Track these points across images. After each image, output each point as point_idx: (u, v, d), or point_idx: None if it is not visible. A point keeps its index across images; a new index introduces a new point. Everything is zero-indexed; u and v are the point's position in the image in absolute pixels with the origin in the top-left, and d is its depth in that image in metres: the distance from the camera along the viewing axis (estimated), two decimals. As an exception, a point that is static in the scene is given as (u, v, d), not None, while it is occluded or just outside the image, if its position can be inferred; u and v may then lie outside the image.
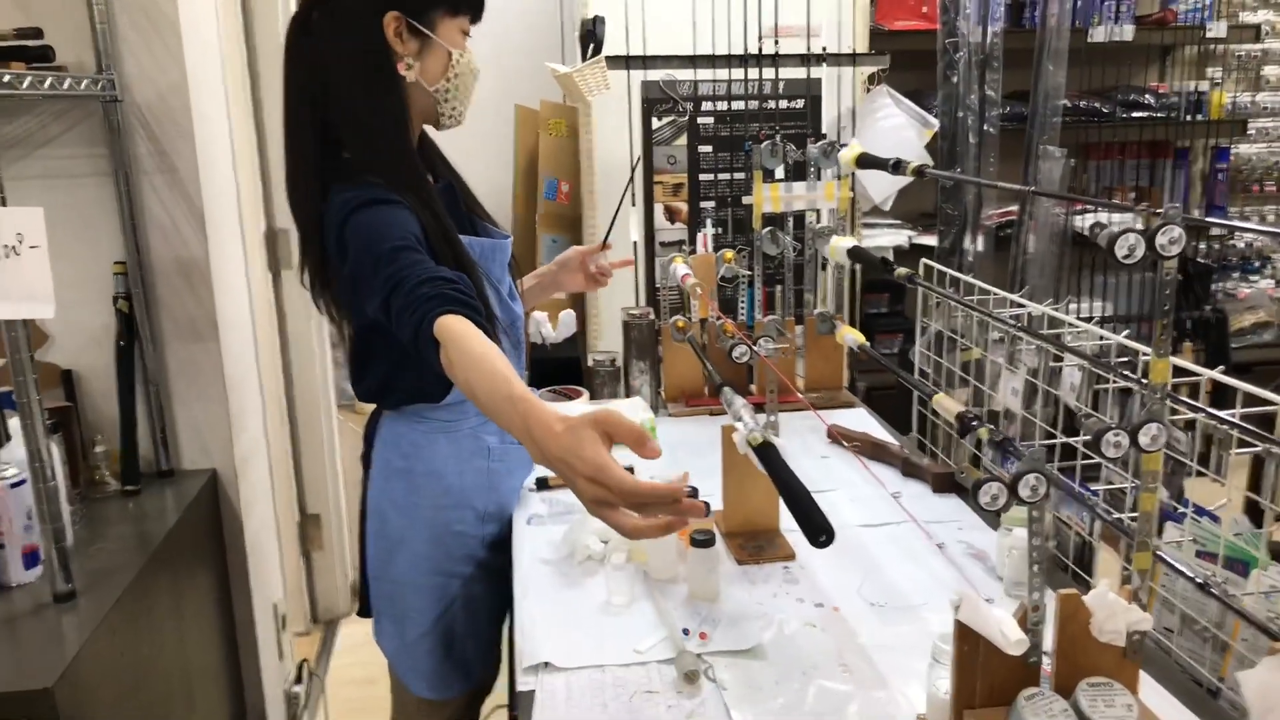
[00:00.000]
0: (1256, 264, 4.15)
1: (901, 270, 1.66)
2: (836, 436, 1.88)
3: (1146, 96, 3.72)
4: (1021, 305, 1.65)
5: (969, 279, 1.74)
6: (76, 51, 1.69)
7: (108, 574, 1.53)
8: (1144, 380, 1.10)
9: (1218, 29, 3.62)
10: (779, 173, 3.46)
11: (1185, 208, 3.90)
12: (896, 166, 1.70)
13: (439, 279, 1.15)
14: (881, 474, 1.78)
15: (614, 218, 1.85)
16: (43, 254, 1.29)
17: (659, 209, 3.32)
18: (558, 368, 2.20)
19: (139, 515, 1.76)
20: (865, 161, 1.85)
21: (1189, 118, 3.72)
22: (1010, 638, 0.95)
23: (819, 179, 2.13)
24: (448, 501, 1.55)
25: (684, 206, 3.35)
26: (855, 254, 1.90)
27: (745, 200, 3.24)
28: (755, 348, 1.49)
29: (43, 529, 1.40)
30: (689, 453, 1.90)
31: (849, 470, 1.79)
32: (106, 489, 1.81)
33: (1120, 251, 0.88)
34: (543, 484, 1.76)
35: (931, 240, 3.59)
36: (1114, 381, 1.32)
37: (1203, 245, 3.97)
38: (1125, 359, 1.39)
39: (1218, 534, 1.17)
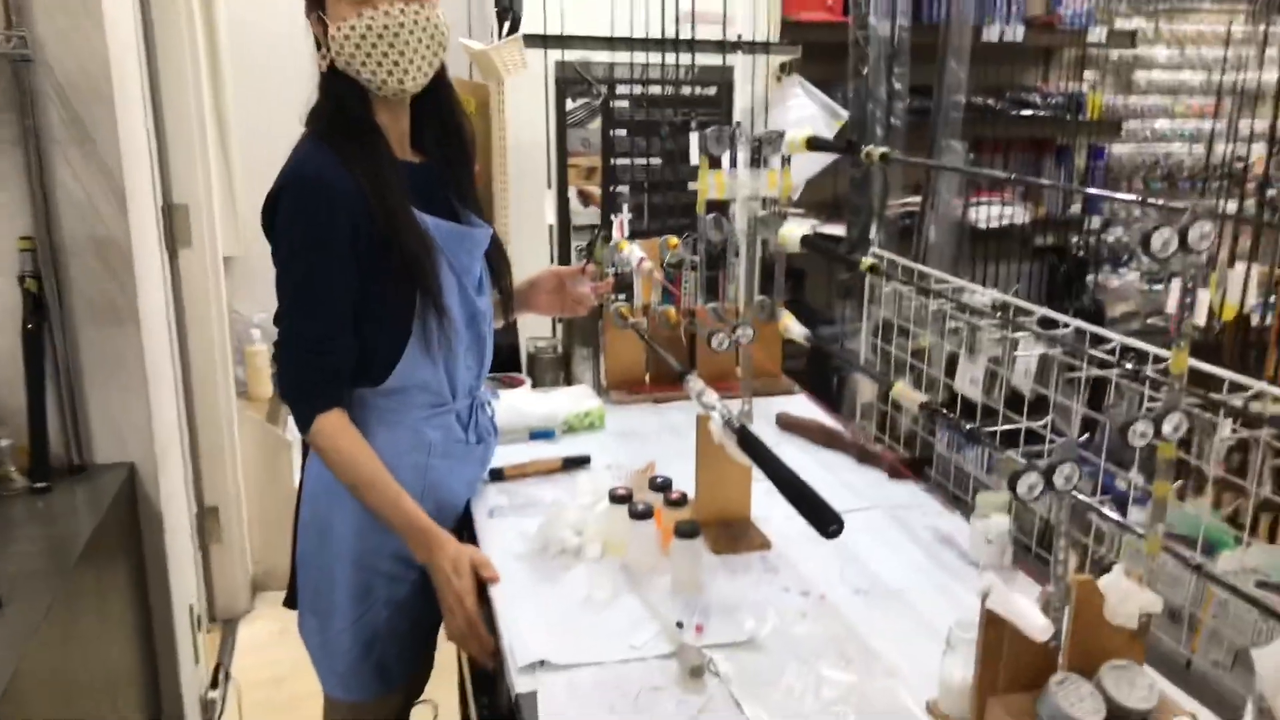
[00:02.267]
0: (1125, 258, 4.41)
1: (866, 261, 1.67)
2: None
3: (1034, 95, 3.89)
4: (975, 292, 1.69)
5: (924, 268, 1.77)
6: (-19, 5, 1.52)
7: (29, 580, 1.39)
8: (1147, 373, 1.14)
9: (1098, 34, 3.81)
10: (693, 158, 3.45)
11: (1066, 202, 4.11)
12: (850, 146, 1.71)
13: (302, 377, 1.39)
14: (834, 461, 1.81)
15: (593, 240, 1.79)
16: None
17: (573, 192, 3.27)
18: (496, 354, 2.13)
19: (51, 516, 1.61)
20: (816, 144, 1.86)
21: (1069, 117, 3.91)
22: (1037, 624, 0.97)
23: (761, 166, 2.13)
24: None
25: (597, 190, 3.31)
26: (808, 242, 1.91)
27: (690, 186, 3.23)
28: (736, 336, 1.47)
29: (-38, 534, 1.26)
30: (640, 441, 1.88)
31: (803, 456, 1.81)
32: (12, 486, 1.65)
33: (1155, 246, 0.90)
34: (497, 475, 1.70)
35: (834, 229, 3.67)
36: (1084, 369, 1.36)
37: (1075, 239, 4.19)
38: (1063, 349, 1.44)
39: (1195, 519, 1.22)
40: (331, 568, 1.50)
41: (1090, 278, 4.16)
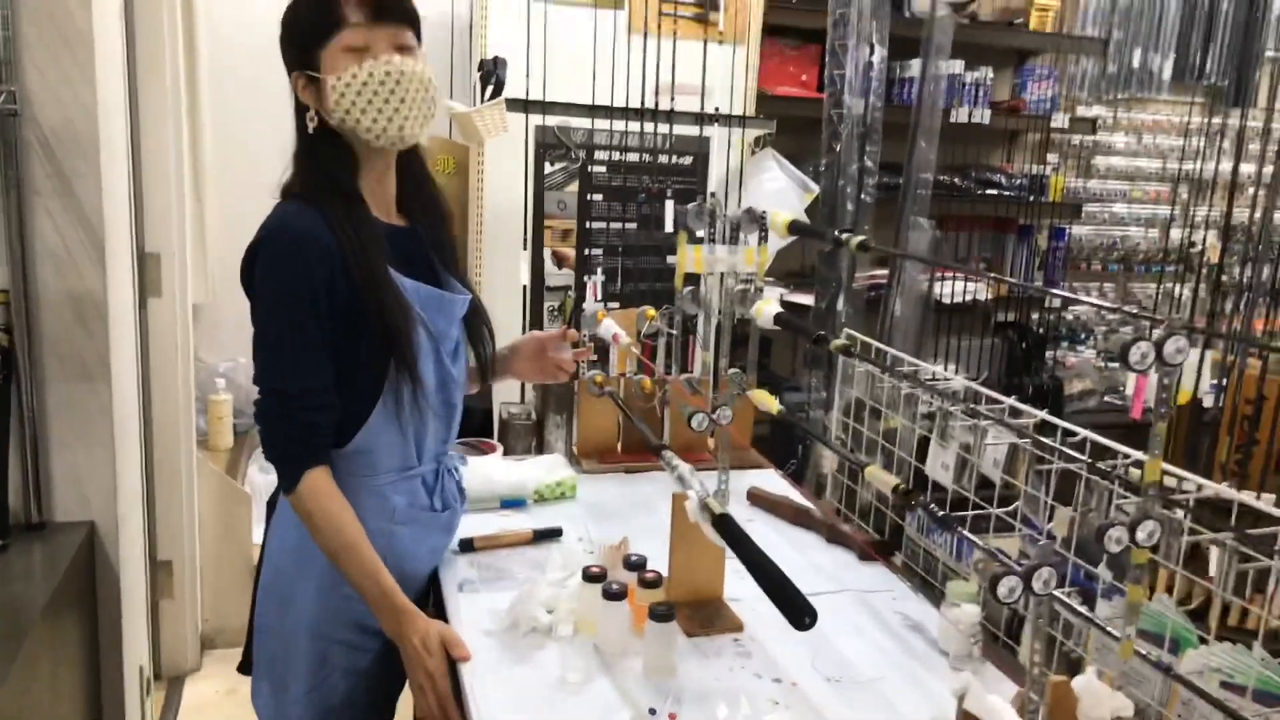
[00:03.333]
0: (1083, 335, 4.52)
1: (838, 342, 1.70)
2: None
3: (999, 176, 4.00)
4: (947, 379, 1.72)
5: (896, 352, 1.80)
6: (-29, 59, 1.52)
7: (-17, 646, 1.35)
8: (1118, 472, 1.17)
9: (1060, 120, 3.95)
10: (668, 225, 3.49)
11: (1028, 280, 4.21)
12: (836, 239, 1.74)
13: (289, 439, 1.37)
14: (804, 540, 1.82)
15: (564, 300, 1.81)
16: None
17: (548, 254, 3.29)
18: (469, 418, 2.12)
19: (7, 575, 1.57)
20: (798, 229, 1.89)
21: (1032, 198, 4.02)
22: (1012, 726, 0.97)
23: (739, 242, 2.17)
24: None
25: (571, 253, 3.34)
26: (781, 320, 1.93)
27: (670, 259, 3.27)
28: (715, 416, 1.48)
29: (-82, 598, 1.22)
30: (612, 514, 1.87)
31: (773, 534, 1.82)
32: (-33, 544, 1.61)
33: (1133, 358, 0.93)
34: (467, 545, 1.69)
35: (802, 298, 3.72)
36: (1057, 462, 1.39)
37: (1035, 316, 4.29)
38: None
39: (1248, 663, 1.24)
40: (290, 634, 1.47)
41: (1049, 354, 4.25)
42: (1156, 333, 0.96)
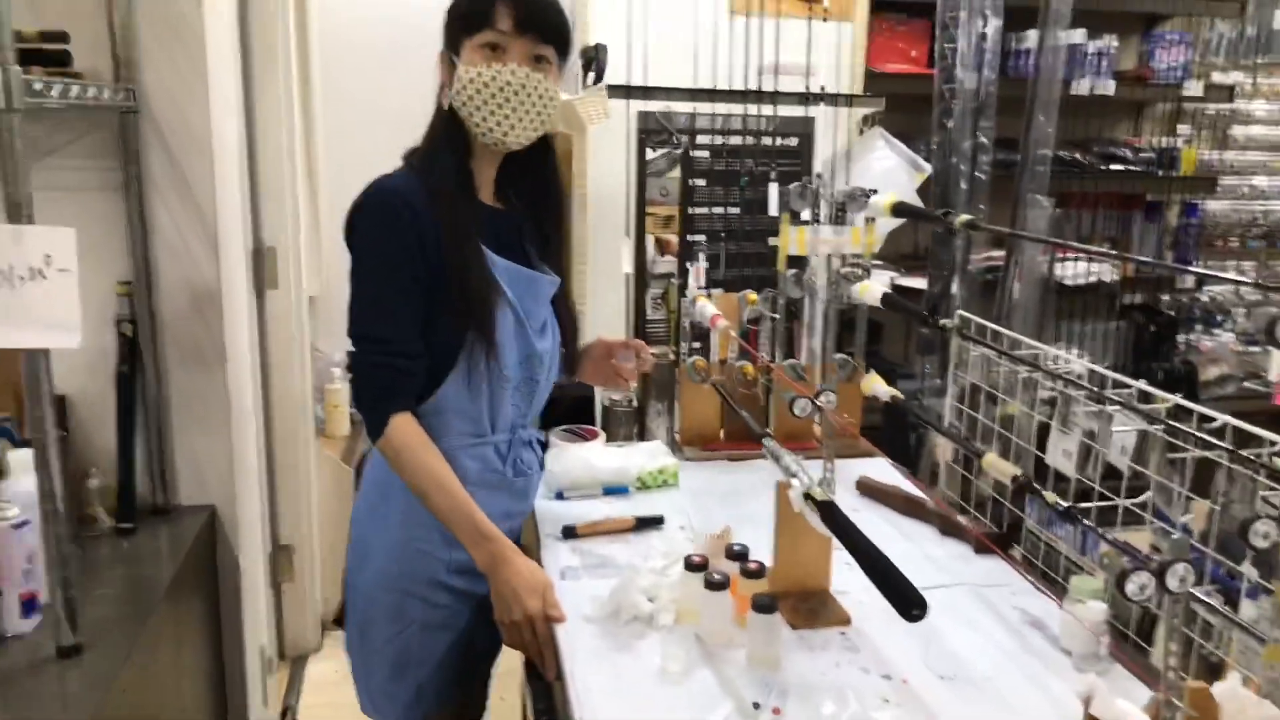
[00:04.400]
0: (1219, 318, 4.24)
1: (947, 322, 1.63)
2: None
3: (1124, 150, 3.79)
4: (1068, 360, 1.63)
5: (1012, 334, 1.72)
6: (91, 58, 1.58)
7: (111, 624, 1.41)
8: (1262, 460, 1.07)
9: (1193, 88, 3.71)
10: (772, 209, 3.43)
11: (1158, 260, 3.98)
12: (943, 216, 1.67)
13: (379, 370, 1.40)
14: (916, 531, 1.75)
15: (667, 289, 1.77)
16: (72, 279, 1.18)
17: (650, 241, 3.27)
18: (571, 406, 2.12)
19: (135, 557, 1.64)
20: (902, 210, 1.82)
21: (1161, 173, 3.80)
22: (1144, 733, 0.91)
23: (845, 223, 2.10)
24: (413, 517, 1.48)
25: (674, 239, 3.31)
26: (889, 301, 1.86)
27: (771, 241, 3.21)
28: (818, 401, 1.43)
29: (50, 577, 1.28)
30: (715, 501, 1.84)
31: (884, 524, 1.76)
32: (99, 527, 1.68)
33: (1281, 336, 0.84)
34: (570, 533, 1.68)
35: (914, 282, 3.60)
36: (1194, 450, 1.30)
37: (1166, 298, 4.06)
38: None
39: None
40: (369, 588, 1.53)
41: (1181, 338, 4.01)
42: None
